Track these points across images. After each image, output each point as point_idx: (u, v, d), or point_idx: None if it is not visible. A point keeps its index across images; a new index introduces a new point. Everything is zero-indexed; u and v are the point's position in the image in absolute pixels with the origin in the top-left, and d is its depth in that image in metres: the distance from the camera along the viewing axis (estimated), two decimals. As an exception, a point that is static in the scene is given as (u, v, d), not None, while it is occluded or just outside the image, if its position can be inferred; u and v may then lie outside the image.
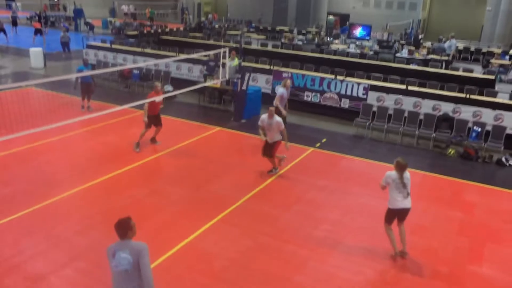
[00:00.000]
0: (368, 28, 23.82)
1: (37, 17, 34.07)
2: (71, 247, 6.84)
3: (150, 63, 15.63)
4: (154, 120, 10.71)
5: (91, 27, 31.46)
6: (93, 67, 18.27)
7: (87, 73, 11.17)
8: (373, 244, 7.36)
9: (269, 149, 9.74)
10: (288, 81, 11.93)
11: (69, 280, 6.16)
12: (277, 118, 9.57)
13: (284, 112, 11.36)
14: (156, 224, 7.62)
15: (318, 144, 11.84)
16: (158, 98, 10.44)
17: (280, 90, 11.67)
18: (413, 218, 8.26)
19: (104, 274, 6.18)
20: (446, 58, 19.32)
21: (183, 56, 15.40)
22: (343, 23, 38.39)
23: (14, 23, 30.61)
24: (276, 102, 11.23)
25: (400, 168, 6.74)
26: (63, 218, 7.70)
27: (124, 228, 4.41)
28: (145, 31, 23.09)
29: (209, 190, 8.98)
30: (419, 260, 6.99)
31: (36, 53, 20.07)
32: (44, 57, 20.24)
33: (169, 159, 10.41)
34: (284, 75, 14.78)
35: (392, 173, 6.79)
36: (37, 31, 26.45)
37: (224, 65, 13.28)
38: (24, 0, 48.73)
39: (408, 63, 17.66)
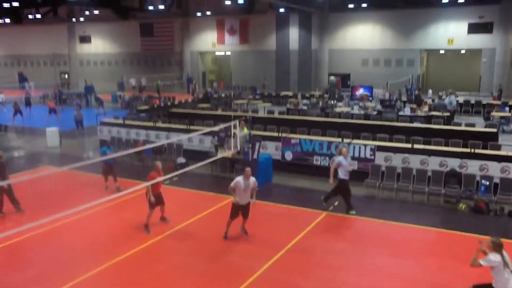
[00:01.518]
0: (369, 89, 24.71)
1: (49, 96, 35.70)
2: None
3: (170, 140, 16.21)
4: (156, 200, 10.76)
5: (100, 102, 32.71)
6: (106, 143, 19.02)
7: (111, 155, 11.63)
8: (394, 307, 7.48)
9: (247, 211, 10.18)
10: (344, 149, 11.92)
11: None
12: (253, 178, 10.04)
13: (331, 179, 11.69)
14: (180, 299, 7.83)
15: (331, 208, 12.11)
16: (161, 178, 10.40)
17: (337, 159, 11.93)
18: (428, 275, 8.47)
19: None
20: (447, 114, 19.89)
21: (198, 132, 16.01)
22: (344, 82, 39.63)
23: (28, 103, 31.83)
24: (331, 168, 11.83)
25: (500, 248, 6.55)
26: (90, 298, 7.93)
27: None
28: (155, 105, 24.03)
29: (228, 261, 9.23)
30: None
31: (52, 133, 20.90)
32: (60, 136, 21.06)
33: (187, 233, 10.64)
34: (293, 141, 15.31)
35: (495, 255, 6.52)
36: (51, 110, 27.56)
37: (234, 135, 13.84)
38: (36, 79, 51.08)
39: (411, 121, 18.23)
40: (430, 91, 27.47)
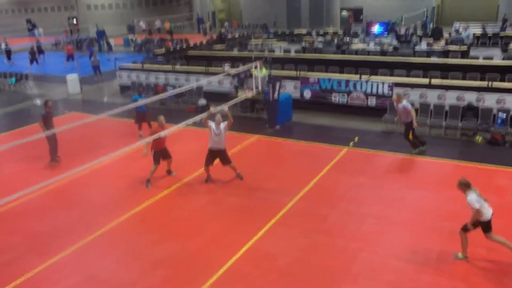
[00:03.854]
0: (385, 25, 24.44)
1: (62, 42, 35.68)
2: (150, 257, 7.81)
3: (193, 85, 16.30)
4: (162, 154, 10.70)
5: (110, 47, 32.75)
6: (129, 88, 19.43)
7: (142, 102, 11.75)
8: (416, 235, 8.13)
9: (224, 158, 10.49)
10: (394, 96, 12.20)
11: (154, 287, 7.11)
12: (223, 124, 10.28)
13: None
14: (217, 230, 8.58)
15: (351, 143, 12.60)
16: (164, 133, 10.28)
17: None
18: (446, 205, 9.05)
19: (185, 280, 7.17)
20: (464, 48, 19.78)
21: (219, 75, 16.23)
22: (357, 17, 38.93)
23: (40, 50, 31.88)
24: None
25: (469, 185, 7.14)
26: (137, 232, 8.70)
27: None
28: (170, 48, 24.13)
29: (259, 197, 9.87)
30: (457, 244, 7.69)
31: (72, 80, 21.29)
32: (80, 82, 21.47)
33: (218, 170, 11.17)
34: (311, 80, 15.58)
35: (472, 195, 7.03)
36: (69, 57, 27.77)
37: (254, 76, 14.16)
38: (44, 26, 50.71)
39: (428, 56, 18.27)
40: (456, 24, 26.82)
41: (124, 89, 20.16)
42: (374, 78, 15.03)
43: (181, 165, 11.69)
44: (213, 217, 9.09)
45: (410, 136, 11.81)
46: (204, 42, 27.93)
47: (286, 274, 7.18)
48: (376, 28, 24.52)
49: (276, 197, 9.74)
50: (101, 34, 37.02)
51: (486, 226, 7.17)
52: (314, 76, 15.79)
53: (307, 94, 15.78)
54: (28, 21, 55.76)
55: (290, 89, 15.90)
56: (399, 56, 18.46)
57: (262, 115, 15.54)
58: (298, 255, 7.64)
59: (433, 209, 8.98)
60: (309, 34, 28.53)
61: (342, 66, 16.97)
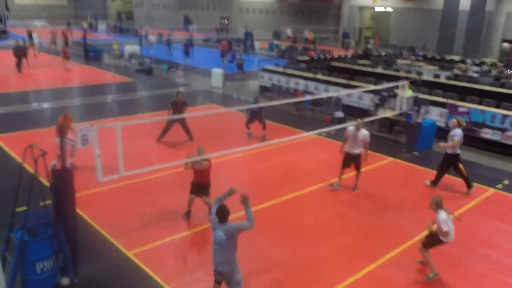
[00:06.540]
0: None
1: (223, 39, 38.12)
2: (269, 256, 7.67)
3: (332, 94, 16.25)
4: (195, 187, 8.87)
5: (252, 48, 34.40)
6: (268, 89, 19.85)
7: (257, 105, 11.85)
8: None
9: (356, 162, 10.32)
10: (454, 120, 10.88)
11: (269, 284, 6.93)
12: (364, 132, 10.07)
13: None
14: (339, 245, 8.18)
15: (499, 186, 11.25)
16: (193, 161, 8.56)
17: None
18: None
19: (298, 285, 6.88)
20: None
21: (361, 89, 15.70)
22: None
23: (191, 44, 34.35)
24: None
25: (441, 204, 7.19)
26: (259, 229, 8.59)
27: (227, 215, 5.89)
28: (313, 57, 24.17)
29: (389, 220, 9.25)
30: None
31: (217, 74, 22.36)
32: (223, 78, 22.47)
33: (345, 186, 10.72)
34: (461, 109, 14.31)
35: (444, 214, 7.08)
36: (224, 53, 29.42)
37: (398, 96, 13.39)
38: (198, 22, 54.56)
39: None
40: None
41: (264, 89, 20.61)
42: (538, 118, 13.30)
43: (308, 173, 11.50)
44: (337, 231, 8.70)
45: (462, 169, 10.79)
46: (349, 55, 27.48)
47: (408, 310, 6.52)
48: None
49: (405, 224, 9.02)
50: (248, 35, 38.61)
51: (436, 242, 7.24)
52: (465, 105, 14.48)
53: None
54: (185, 16, 60.40)
55: (435, 116, 14.76)
56: None
57: (400, 137, 14.66)
58: (423, 291, 6.92)
59: None
60: (463, 61, 26.51)
61: (499, 100, 15.31)
